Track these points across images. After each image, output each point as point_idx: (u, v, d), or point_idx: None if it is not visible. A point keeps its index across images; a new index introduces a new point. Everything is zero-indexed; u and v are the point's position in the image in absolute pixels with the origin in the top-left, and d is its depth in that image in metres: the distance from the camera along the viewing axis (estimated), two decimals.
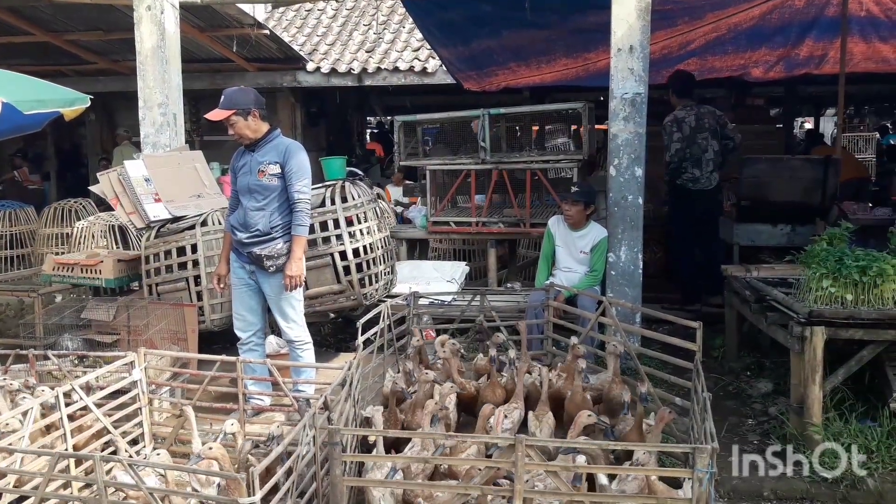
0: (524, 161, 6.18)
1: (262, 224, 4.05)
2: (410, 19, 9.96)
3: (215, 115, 4.04)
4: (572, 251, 5.20)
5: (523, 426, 3.61)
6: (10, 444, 3.05)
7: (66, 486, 3.16)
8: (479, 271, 7.31)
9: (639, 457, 2.69)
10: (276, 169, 4.04)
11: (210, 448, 2.82)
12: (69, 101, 4.48)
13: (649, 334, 4.19)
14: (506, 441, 2.67)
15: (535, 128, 8.03)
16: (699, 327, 3.70)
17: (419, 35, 9.70)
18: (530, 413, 3.58)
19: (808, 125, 18.05)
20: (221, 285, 4.32)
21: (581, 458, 2.77)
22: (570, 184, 6.17)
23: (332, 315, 5.89)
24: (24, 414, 3.19)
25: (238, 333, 4.33)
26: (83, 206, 7.72)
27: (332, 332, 6.15)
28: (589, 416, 3.11)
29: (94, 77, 10.17)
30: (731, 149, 6.29)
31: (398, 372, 4.12)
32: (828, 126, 18.38)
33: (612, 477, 2.89)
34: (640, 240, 5.08)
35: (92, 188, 5.53)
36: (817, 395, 3.75)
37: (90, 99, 4.64)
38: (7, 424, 3.18)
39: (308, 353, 4.32)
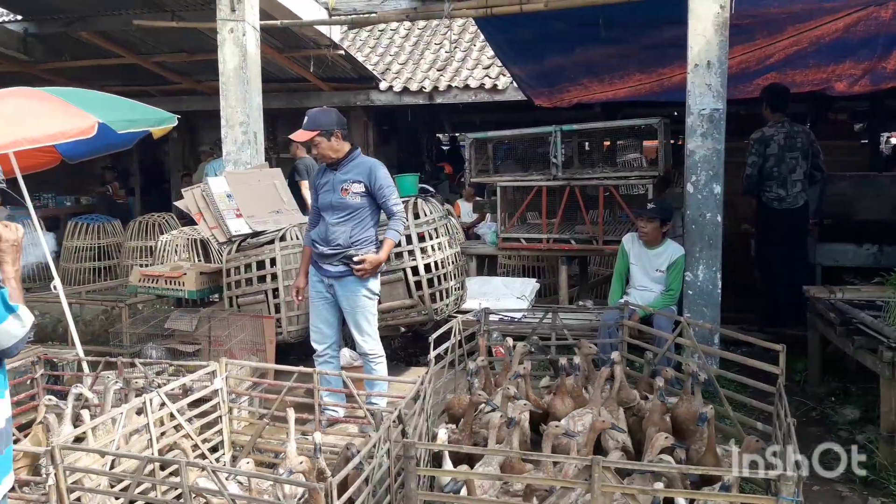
0: (597, 177, 6.13)
1: (343, 239, 4.17)
2: (481, 37, 10.05)
3: (300, 135, 4.17)
4: (647, 269, 5.11)
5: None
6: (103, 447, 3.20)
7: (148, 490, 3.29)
8: (548, 288, 7.27)
9: (726, 480, 2.61)
10: (361, 188, 4.16)
11: (301, 462, 2.90)
12: (158, 121, 4.68)
13: (729, 356, 4.07)
14: (582, 462, 2.64)
15: (607, 143, 7.97)
16: (782, 350, 3.58)
17: (490, 52, 9.77)
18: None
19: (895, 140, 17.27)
20: (300, 297, 4.44)
21: (659, 483, 2.72)
22: (642, 200, 6.09)
23: (402, 329, 5.95)
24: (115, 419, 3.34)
25: (314, 346, 4.43)
26: (166, 221, 8.07)
27: (403, 346, 6.21)
28: (666, 438, 3.05)
29: (178, 96, 10.63)
30: (816, 181, 6.07)
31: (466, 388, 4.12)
32: None
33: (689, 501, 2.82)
34: (719, 258, 4.97)
35: (176, 203, 5.77)
36: None
37: (177, 118, 4.84)
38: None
39: (381, 367, 4.38)
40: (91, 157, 5.22)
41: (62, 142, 4.02)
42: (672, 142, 8.34)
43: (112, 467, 3.23)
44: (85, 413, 3.52)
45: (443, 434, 3.47)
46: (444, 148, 16.22)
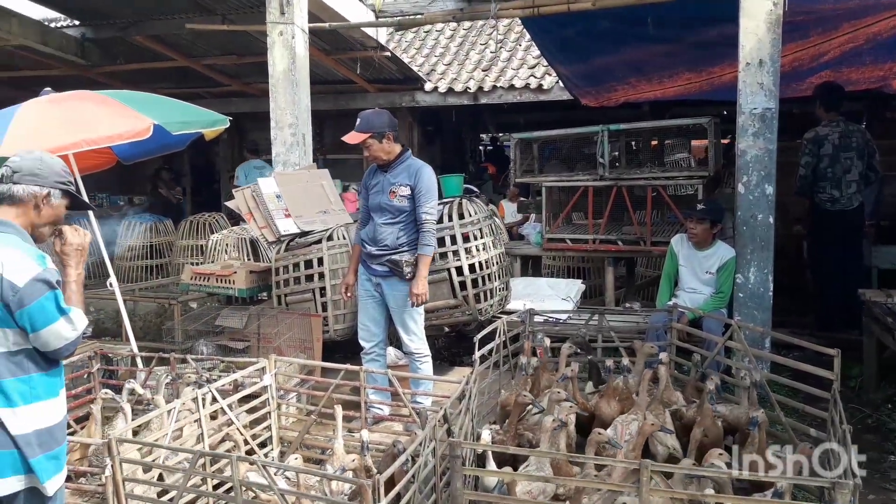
0: (645, 177, 6.06)
1: (390, 240, 4.21)
2: (527, 37, 10.01)
3: (352, 137, 4.20)
4: (697, 271, 5.03)
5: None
6: (156, 440, 3.29)
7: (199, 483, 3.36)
8: (593, 290, 7.20)
9: (778, 487, 2.56)
10: (407, 191, 4.19)
11: (353, 460, 2.94)
12: (211, 122, 4.76)
13: (781, 360, 3.99)
14: (630, 465, 2.62)
15: (654, 143, 7.86)
16: (837, 354, 3.49)
17: (535, 52, 9.72)
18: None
19: None
20: (349, 294, 4.50)
21: (709, 489, 2.67)
22: (691, 200, 6.00)
23: (446, 329, 5.97)
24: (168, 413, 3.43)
25: (362, 343, 4.48)
26: (216, 220, 8.23)
27: (446, 346, 6.23)
28: (720, 454, 2.96)
29: (227, 98, 10.82)
30: (871, 182, 5.89)
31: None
32: None
33: None
34: (771, 261, 4.86)
35: (227, 203, 5.88)
36: None
37: (229, 120, 4.91)
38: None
39: (427, 366, 4.41)
40: (145, 158, 5.35)
41: (119, 143, 4.13)
42: (725, 141, 8.19)
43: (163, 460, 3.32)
44: (127, 407, 3.61)
45: (486, 435, 3.47)
46: (486, 148, 16.18)
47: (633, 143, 7.07)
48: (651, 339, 4.69)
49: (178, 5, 8.05)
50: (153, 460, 3.26)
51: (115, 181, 11.35)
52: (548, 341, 4.43)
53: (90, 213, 4.85)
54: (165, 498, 3.22)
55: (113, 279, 4.64)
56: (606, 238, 6.20)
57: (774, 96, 4.84)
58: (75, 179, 4.59)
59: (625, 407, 3.67)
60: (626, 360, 3.87)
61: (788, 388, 3.96)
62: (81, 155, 4.40)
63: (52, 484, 2.34)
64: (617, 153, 6.61)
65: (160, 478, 3.30)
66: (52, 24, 9.55)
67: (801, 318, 6.08)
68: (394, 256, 4.19)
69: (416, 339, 4.36)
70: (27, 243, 2.35)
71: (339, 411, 3.53)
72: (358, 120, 4.23)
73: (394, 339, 5.19)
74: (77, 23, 9.27)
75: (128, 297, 5.91)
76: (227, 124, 4.82)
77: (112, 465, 2.92)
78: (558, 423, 3.11)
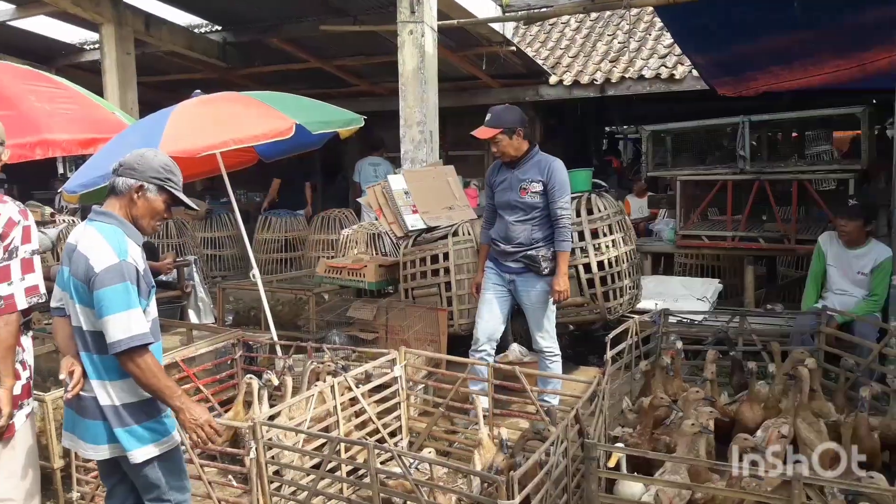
0: (791, 171, 5.69)
1: (524, 237, 4.17)
2: (657, 25, 9.67)
3: (483, 132, 4.19)
4: (848, 272, 4.68)
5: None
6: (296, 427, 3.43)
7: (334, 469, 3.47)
8: (729, 290, 6.86)
9: None
10: (539, 186, 4.13)
11: (503, 459, 2.96)
12: (347, 122, 4.88)
13: None
14: (780, 478, 2.47)
15: (794, 134, 7.40)
16: None
17: (666, 41, 9.38)
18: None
19: None
20: (479, 293, 4.49)
21: None
22: (836, 196, 5.60)
23: (571, 327, 5.87)
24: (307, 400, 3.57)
25: (476, 342, 4.40)
26: (346, 216, 8.51)
27: (570, 345, 6.12)
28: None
29: (355, 98, 11.14)
30: None
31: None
32: None
33: None
34: None
35: (359, 199, 6.03)
36: None
37: (363, 119, 5.01)
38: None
39: (556, 365, 4.34)
40: (284, 157, 5.58)
41: (263, 142, 4.32)
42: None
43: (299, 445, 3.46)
44: (264, 393, 3.79)
45: (618, 432, 3.39)
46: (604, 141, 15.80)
47: (772, 134, 6.66)
48: (796, 343, 4.41)
49: (312, 8, 8.37)
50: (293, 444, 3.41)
51: (251, 178, 11.94)
52: (679, 344, 4.25)
53: (235, 206, 5.13)
54: (304, 481, 3.36)
55: (256, 271, 4.89)
56: (747, 235, 5.87)
57: None
58: (223, 176, 4.88)
59: (769, 414, 3.47)
60: (772, 367, 3.65)
61: None
62: (227, 153, 4.64)
63: (140, 453, 2.48)
64: (756, 145, 6.25)
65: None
66: (197, 30, 10.18)
67: None
68: (530, 252, 4.16)
69: (548, 337, 4.29)
70: (123, 234, 2.48)
71: (478, 402, 3.56)
72: (488, 115, 4.20)
73: (517, 336, 5.16)
74: (219, 28, 9.85)
75: (266, 287, 6.20)
76: (362, 123, 4.92)
77: (257, 448, 3.07)
78: (699, 428, 2.98)
